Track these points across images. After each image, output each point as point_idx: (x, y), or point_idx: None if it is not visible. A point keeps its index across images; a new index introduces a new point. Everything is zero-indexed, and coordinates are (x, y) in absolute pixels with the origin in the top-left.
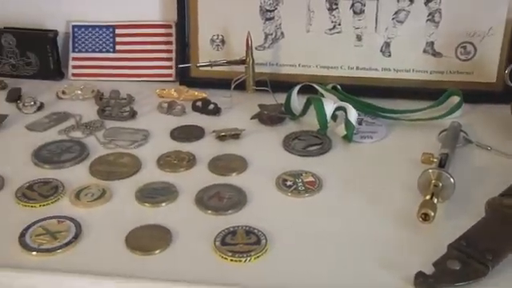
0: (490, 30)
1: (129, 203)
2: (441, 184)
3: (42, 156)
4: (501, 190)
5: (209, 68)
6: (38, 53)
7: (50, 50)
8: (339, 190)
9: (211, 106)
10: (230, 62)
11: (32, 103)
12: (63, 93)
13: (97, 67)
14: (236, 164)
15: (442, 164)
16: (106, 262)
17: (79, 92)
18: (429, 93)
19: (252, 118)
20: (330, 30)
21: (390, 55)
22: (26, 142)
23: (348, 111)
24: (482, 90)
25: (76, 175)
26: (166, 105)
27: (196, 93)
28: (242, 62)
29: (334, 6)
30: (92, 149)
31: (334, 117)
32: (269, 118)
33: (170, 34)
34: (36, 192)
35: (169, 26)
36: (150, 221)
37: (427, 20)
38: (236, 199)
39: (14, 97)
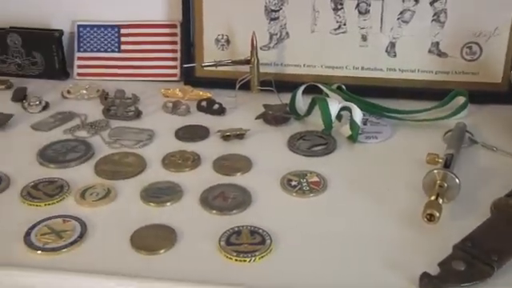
0: (496, 30)
1: (134, 203)
2: (446, 184)
3: (48, 155)
4: (506, 190)
5: (214, 68)
6: (44, 52)
7: (56, 50)
8: (344, 191)
9: (216, 106)
10: (234, 62)
11: (37, 103)
12: (68, 92)
13: (102, 67)
14: (241, 164)
15: (447, 164)
16: (111, 261)
17: (84, 91)
18: (434, 93)
19: (257, 117)
20: (335, 30)
21: (395, 55)
22: (32, 141)
23: (353, 111)
24: (488, 90)
25: (81, 175)
26: (170, 104)
27: (201, 93)
28: (247, 61)
29: (339, 6)
30: (97, 148)
31: (339, 117)
32: (273, 118)
33: (175, 34)
34: (41, 191)
35: (174, 26)
36: (155, 220)
37: (432, 20)
38: (241, 199)
39: (20, 96)
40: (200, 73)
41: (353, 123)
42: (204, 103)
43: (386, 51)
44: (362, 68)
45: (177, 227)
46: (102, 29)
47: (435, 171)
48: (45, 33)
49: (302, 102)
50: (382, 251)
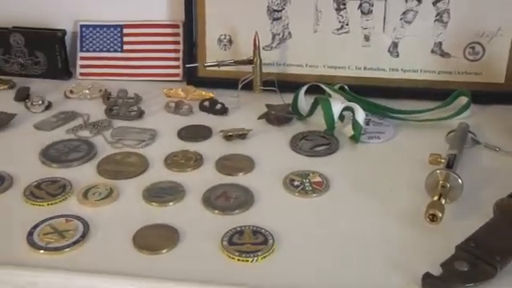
0: (499, 30)
1: (136, 202)
2: (449, 185)
3: (50, 155)
4: (509, 191)
5: (216, 68)
6: (47, 52)
7: (58, 50)
8: (346, 191)
9: (218, 106)
10: (237, 62)
11: (40, 102)
12: (71, 92)
13: (104, 67)
14: (243, 164)
15: (449, 165)
16: (114, 261)
17: (87, 91)
18: (436, 93)
19: (259, 117)
20: (338, 30)
21: (397, 55)
22: (34, 141)
23: (355, 111)
24: (491, 90)
25: (84, 174)
26: (173, 104)
27: (203, 92)
28: (250, 61)
29: (342, 6)
30: (99, 148)
31: (342, 117)
32: (276, 118)
33: (177, 34)
34: (44, 191)
35: (176, 26)
36: (158, 220)
37: (435, 20)
38: (243, 199)
39: (23, 96)
40: (202, 73)
41: (355, 123)
42: (206, 103)
43: (389, 51)
44: (365, 68)
45: (179, 227)
46: (105, 29)
47: (438, 171)
48: (48, 33)
49: (304, 102)
50: (384, 251)
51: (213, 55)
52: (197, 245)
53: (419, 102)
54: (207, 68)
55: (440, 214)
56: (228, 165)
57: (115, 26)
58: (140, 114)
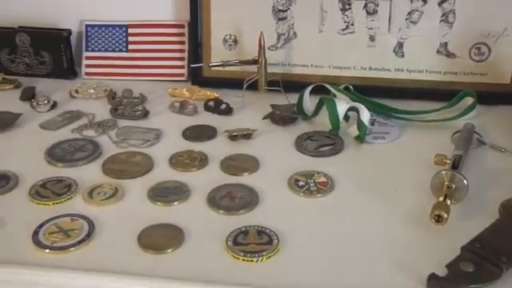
0: (505, 30)
1: (141, 202)
2: (454, 186)
3: (56, 154)
4: None
5: (221, 68)
6: (52, 52)
7: (64, 49)
8: (351, 191)
9: (223, 106)
10: (242, 62)
11: (45, 102)
12: (76, 92)
13: (110, 66)
14: (248, 164)
15: (455, 165)
16: (119, 260)
17: (92, 91)
18: (442, 94)
19: (264, 118)
20: (343, 30)
21: (403, 56)
22: (40, 140)
23: (360, 112)
24: (496, 91)
25: (89, 174)
26: (178, 104)
27: (208, 92)
28: (255, 61)
29: (347, 7)
30: (105, 147)
31: (347, 117)
32: (281, 118)
33: (182, 34)
34: (49, 190)
35: (181, 26)
36: (162, 220)
37: (441, 21)
38: (248, 199)
39: (28, 95)
40: (207, 73)
41: (360, 124)
42: (211, 103)
43: (394, 51)
44: (370, 68)
45: (184, 227)
46: (110, 28)
47: (443, 172)
48: (53, 32)
49: (309, 102)
50: (389, 252)
51: (218, 55)
52: (202, 245)
53: (424, 103)
54: (212, 68)
55: (445, 215)
56: (233, 165)
57: (120, 26)
58: (145, 114)
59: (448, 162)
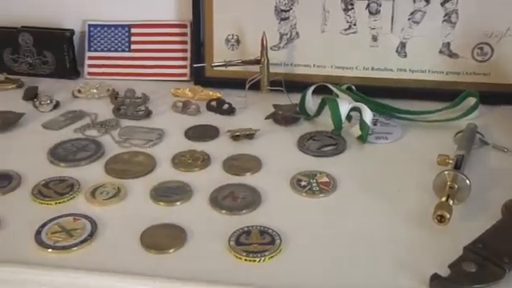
0: (508, 30)
1: (143, 202)
2: (456, 186)
3: (58, 154)
4: None
5: (223, 68)
6: (55, 52)
7: (67, 49)
8: (354, 191)
9: (226, 106)
10: (244, 62)
11: (48, 102)
12: (79, 91)
13: (112, 66)
14: (250, 164)
15: (457, 166)
16: (121, 260)
17: (95, 91)
18: (445, 94)
19: (266, 118)
20: (346, 30)
21: (405, 56)
22: (42, 140)
23: (363, 112)
24: (499, 91)
25: (91, 173)
26: (180, 104)
27: (211, 92)
28: (257, 61)
29: (350, 7)
30: (107, 147)
31: (349, 117)
32: (283, 118)
33: (185, 34)
34: (52, 190)
35: (184, 26)
36: (165, 220)
37: (443, 21)
38: (250, 199)
39: (31, 95)
40: (210, 73)
41: (363, 124)
42: (214, 103)
43: (397, 52)
44: (372, 68)
45: (186, 227)
46: (113, 28)
47: (446, 172)
48: (56, 32)
49: (311, 102)
50: (391, 252)
51: (220, 55)
52: (204, 245)
53: (427, 103)
54: (214, 68)
55: (448, 215)
56: (235, 165)
57: (123, 26)
58: (147, 114)
59: (450, 162)
